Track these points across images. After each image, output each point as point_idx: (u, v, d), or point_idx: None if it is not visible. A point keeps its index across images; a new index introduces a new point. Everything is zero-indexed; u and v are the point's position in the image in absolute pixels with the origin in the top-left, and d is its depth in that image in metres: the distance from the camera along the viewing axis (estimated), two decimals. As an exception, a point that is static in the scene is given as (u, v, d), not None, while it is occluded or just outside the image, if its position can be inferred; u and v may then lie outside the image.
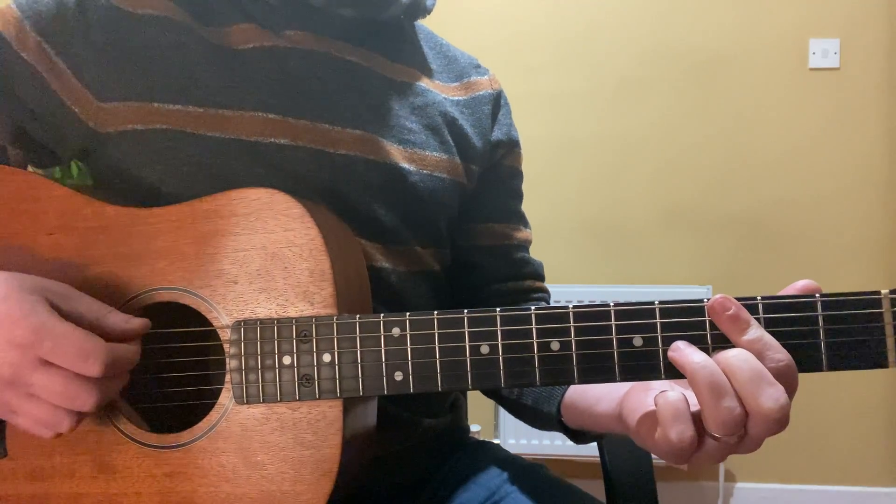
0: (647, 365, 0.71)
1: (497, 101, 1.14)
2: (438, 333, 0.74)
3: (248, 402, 0.77)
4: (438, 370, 0.74)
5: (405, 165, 0.98)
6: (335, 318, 0.76)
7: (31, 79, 0.89)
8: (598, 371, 0.72)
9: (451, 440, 1.12)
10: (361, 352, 0.75)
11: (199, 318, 0.80)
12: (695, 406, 0.67)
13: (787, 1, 2.90)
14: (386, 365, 0.75)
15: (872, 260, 2.90)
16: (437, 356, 0.74)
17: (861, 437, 2.93)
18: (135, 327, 0.76)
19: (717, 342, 0.69)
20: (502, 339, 0.73)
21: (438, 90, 1.08)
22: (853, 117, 2.90)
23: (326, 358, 0.76)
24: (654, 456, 0.88)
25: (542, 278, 1.18)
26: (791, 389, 0.67)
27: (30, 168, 0.96)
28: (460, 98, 1.10)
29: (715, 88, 2.95)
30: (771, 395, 0.64)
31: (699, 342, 0.69)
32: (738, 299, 0.69)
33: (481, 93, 1.12)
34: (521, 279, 1.15)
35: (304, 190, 0.90)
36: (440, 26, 1.12)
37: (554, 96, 3.00)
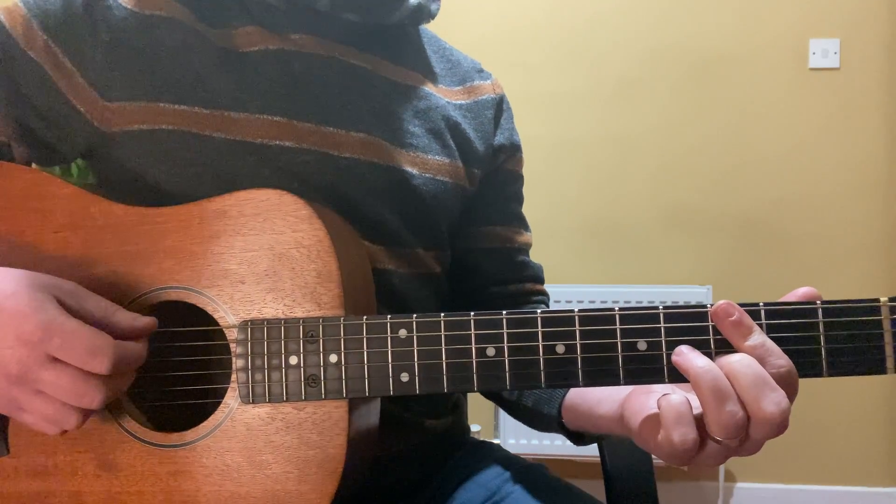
0: (651, 369, 0.72)
1: (499, 106, 1.15)
2: (445, 335, 0.74)
3: (253, 402, 0.77)
4: (444, 372, 0.74)
5: (408, 169, 0.99)
6: (342, 318, 0.77)
7: (38, 77, 0.89)
8: (602, 374, 0.72)
9: (451, 440, 1.12)
10: (368, 353, 0.76)
11: (205, 318, 0.80)
12: (697, 409, 0.68)
13: (787, 1, 2.90)
14: (392, 366, 0.75)
15: (872, 260, 2.90)
16: (444, 358, 0.74)
17: (861, 437, 2.93)
18: (142, 325, 0.76)
19: (719, 347, 0.70)
20: (508, 342, 0.73)
21: (442, 94, 1.08)
22: (853, 117, 2.90)
23: (333, 358, 0.76)
24: (654, 456, 0.88)
25: (541, 281, 1.19)
26: (792, 394, 0.68)
27: (34, 166, 0.96)
28: (463, 102, 1.10)
29: (715, 88, 2.95)
30: (773, 400, 0.65)
31: (702, 347, 0.70)
32: (741, 305, 0.70)
33: (484, 97, 1.13)
34: (522, 282, 1.16)
35: (309, 192, 0.90)
36: (440, 26, 1.12)
37: (554, 96, 2.99)
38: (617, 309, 0.72)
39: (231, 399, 0.78)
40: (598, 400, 0.87)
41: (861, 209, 2.90)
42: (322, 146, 0.93)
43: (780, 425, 0.66)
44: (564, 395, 0.95)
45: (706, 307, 0.71)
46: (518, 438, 2.76)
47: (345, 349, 0.76)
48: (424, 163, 1.01)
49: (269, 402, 0.77)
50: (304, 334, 0.77)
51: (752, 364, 0.67)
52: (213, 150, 0.89)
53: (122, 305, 0.77)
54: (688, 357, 0.69)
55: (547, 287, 1.20)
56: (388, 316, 0.76)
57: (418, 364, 0.75)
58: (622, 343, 0.72)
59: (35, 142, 0.92)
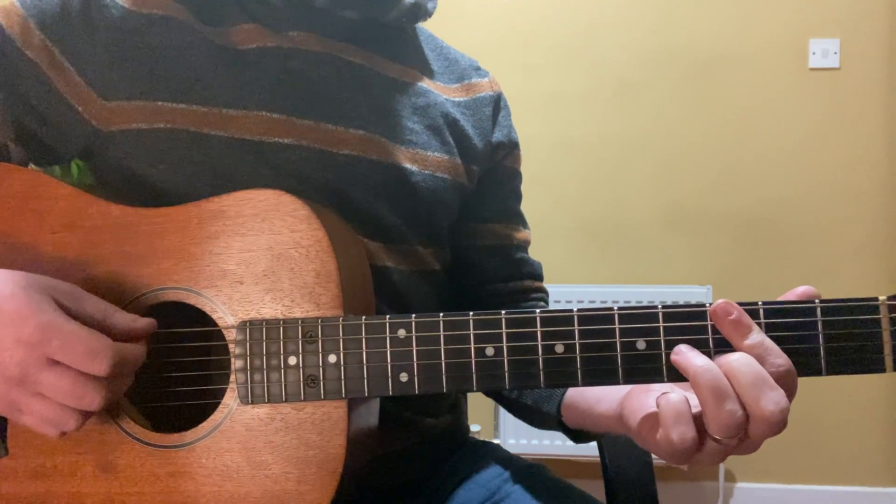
0: (650, 368, 0.72)
1: (497, 103, 1.15)
2: (444, 335, 0.74)
3: (252, 403, 0.77)
4: (444, 372, 0.74)
5: (407, 166, 0.99)
6: (341, 319, 0.77)
7: (35, 77, 0.89)
8: (601, 373, 0.72)
9: (451, 440, 1.12)
10: (367, 353, 0.76)
11: (204, 319, 0.80)
12: (696, 408, 0.68)
13: (787, 1, 2.90)
14: (391, 366, 0.75)
15: (872, 260, 2.90)
16: (443, 358, 0.74)
17: (861, 437, 2.93)
18: (141, 327, 0.76)
19: (718, 346, 0.70)
20: (507, 342, 0.73)
21: (440, 91, 1.08)
22: (853, 117, 2.90)
23: (332, 359, 0.76)
24: (654, 456, 0.88)
25: (540, 278, 1.19)
26: (791, 393, 0.68)
27: (31, 166, 0.96)
28: (461, 99, 1.10)
29: (715, 88, 2.95)
30: (772, 399, 0.65)
31: (701, 346, 0.70)
32: (740, 304, 0.70)
33: (482, 94, 1.13)
34: (520, 279, 1.16)
35: (308, 189, 0.90)
36: (440, 26, 1.12)
37: (553, 96, 3.00)
38: (616, 308, 0.72)
39: (230, 400, 0.78)
40: (597, 398, 0.87)
41: (861, 209, 2.91)
42: (321, 143, 0.93)
43: (779, 424, 0.66)
44: (564, 394, 0.96)
45: (705, 306, 0.71)
46: (518, 438, 2.76)
47: (344, 349, 0.76)
48: (423, 159, 1.01)
49: (269, 402, 0.77)
50: (302, 335, 0.77)
51: (751, 363, 0.67)
52: (211, 148, 0.89)
53: (120, 306, 0.77)
54: (687, 356, 0.69)
55: (547, 287, 1.20)
56: (387, 316, 0.76)
57: (417, 364, 0.75)
58: (621, 342, 0.72)
59: (32, 142, 0.92)
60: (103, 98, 0.89)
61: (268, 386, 0.77)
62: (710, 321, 0.70)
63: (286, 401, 0.77)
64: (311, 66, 0.96)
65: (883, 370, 0.69)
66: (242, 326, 0.78)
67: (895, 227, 2.89)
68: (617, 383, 0.72)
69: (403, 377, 0.75)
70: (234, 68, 0.93)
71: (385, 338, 0.76)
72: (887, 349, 0.69)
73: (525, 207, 1.20)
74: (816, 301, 0.70)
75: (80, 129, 0.91)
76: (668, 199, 2.97)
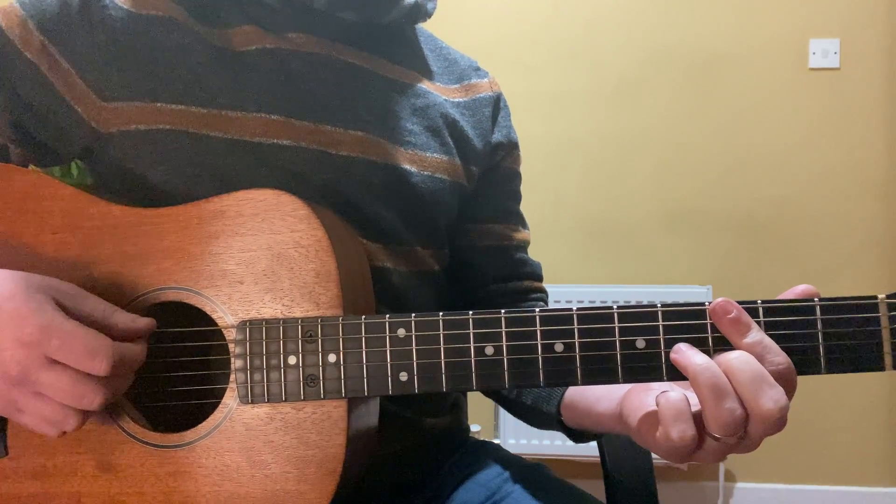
0: (650, 366, 0.72)
1: (497, 104, 1.15)
2: (444, 334, 0.75)
3: (252, 402, 0.77)
4: (443, 371, 0.74)
5: (406, 167, 0.99)
6: (340, 318, 0.77)
7: (35, 78, 0.89)
8: (601, 372, 0.72)
9: (451, 440, 1.12)
10: (367, 352, 0.76)
11: (204, 318, 0.80)
12: (695, 406, 0.69)
13: (787, 1, 2.91)
14: (391, 365, 0.75)
15: (872, 260, 2.91)
16: (442, 357, 0.74)
17: (861, 437, 2.93)
18: (141, 326, 0.76)
19: (718, 345, 0.70)
20: (507, 341, 0.73)
21: (439, 92, 1.08)
22: (853, 117, 2.90)
23: (332, 358, 0.76)
24: (654, 456, 0.88)
25: (540, 279, 1.19)
26: (790, 392, 0.68)
27: (31, 167, 0.96)
28: (460, 100, 1.10)
29: (715, 88, 2.95)
30: (771, 397, 0.66)
31: (701, 344, 0.71)
32: (739, 303, 0.70)
33: (481, 95, 1.13)
34: (520, 279, 1.16)
35: (307, 190, 0.90)
36: (440, 26, 1.12)
37: (554, 96, 3.00)
38: (615, 307, 0.72)
39: (230, 399, 0.78)
40: (596, 398, 0.87)
41: (861, 209, 2.91)
42: (320, 144, 0.94)
43: (778, 422, 0.66)
44: (563, 394, 0.96)
45: (704, 305, 0.71)
46: (518, 438, 2.76)
47: (343, 349, 0.76)
48: (422, 160, 1.01)
49: (268, 402, 0.77)
50: (302, 334, 0.77)
51: (750, 361, 0.67)
52: (210, 150, 0.89)
53: (120, 306, 0.77)
54: (686, 354, 0.69)
55: (546, 287, 1.20)
56: (387, 315, 0.76)
57: (417, 363, 0.75)
58: (621, 341, 0.72)
59: (32, 143, 0.92)
60: (102, 99, 0.89)
61: (267, 385, 0.77)
62: (710, 320, 0.71)
63: (286, 400, 0.77)
64: (310, 67, 0.96)
65: (882, 368, 0.69)
66: (242, 326, 0.78)
67: (895, 227, 2.89)
68: (616, 382, 0.73)
69: (403, 376, 0.75)
70: (233, 70, 0.93)
71: (385, 337, 0.76)
72: (886, 347, 0.69)
73: (525, 207, 1.20)
74: (815, 299, 0.70)
75: (79, 130, 0.91)
76: (667, 198, 2.97)
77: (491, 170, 1.13)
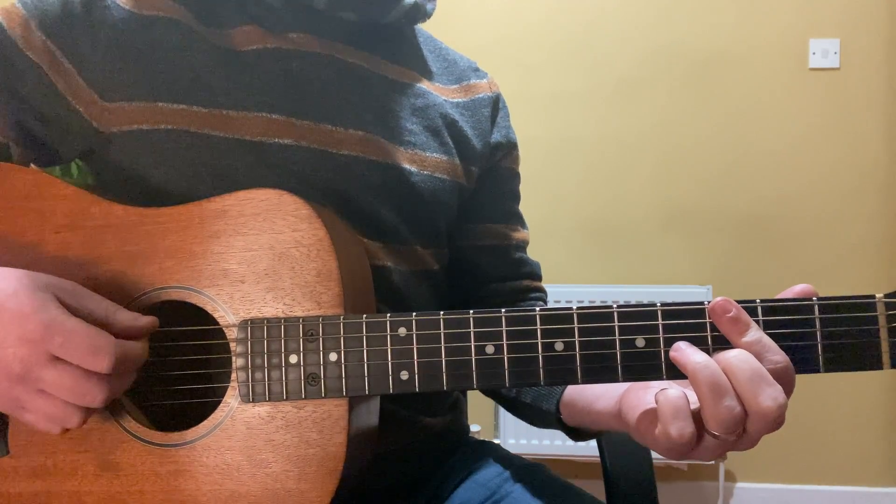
0: (650, 365, 0.72)
1: (496, 104, 1.15)
2: (444, 333, 0.75)
3: (253, 401, 0.78)
4: (444, 370, 0.75)
5: (406, 166, 0.99)
6: (342, 317, 0.77)
7: (36, 78, 0.89)
8: (601, 371, 0.73)
9: (451, 439, 1.13)
10: (367, 351, 0.76)
11: (205, 317, 0.80)
12: (694, 404, 0.69)
13: (787, 1, 2.90)
14: (392, 364, 0.76)
15: (872, 259, 2.91)
16: (443, 356, 0.75)
17: (861, 437, 2.93)
18: (143, 325, 0.76)
19: (717, 343, 0.71)
20: (507, 340, 0.74)
21: (438, 92, 1.09)
22: (853, 117, 2.90)
23: (333, 357, 0.76)
24: (654, 455, 0.88)
25: (539, 278, 1.19)
26: (788, 390, 0.69)
27: (32, 166, 0.96)
28: (460, 100, 1.11)
29: (715, 88, 2.95)
30: (770, 395, 0.66)
31: (700, 343, 0.71)
32: (738, 302, 0.70)
33: (480, 95, 1.13)
34: (519, 279, 1.16)
35: (308, 189, 0.90)
36: (439, 26, 1.12)
37: (553, 96, 3.00)
38: (615, 306, 0.73)
39: (231, 398, 0.78)
40: (596, 396, 0.88)
41: (861, 209, 2.91)
42: (320, 144, 0.94)
43: (776, 420, 0.66)
44: (563, 392, 0.96)
45: (703, 304, 0.71)
46: (518, 438, 2.76)
47: (344, 348, 0.76)
48: (422, 160, 1.01)
49: (269, 400, 0.77)
50: (303, 333, 0.77)
51: (749, 359, 0.67)
52: (211, 149, 0.89)
53: (122, 305, 0.77)
54: (686, 353, 0.69)
55: (546, 287, 1.21)
56: (388, 314, 0.77)
57: (418, 362, 0.75)
58: (620, 340, 0.72)
59: (34, 142, 0.93)
60: (104, 99, 0.90)
61: (269, 384, 0.77)
62: (709, 319, 0.71)
63: (287, 399, 0.77)
64: (310, 67, 0.97)
65: (880, 367, 0.70)
66: (244, 325, 0.78)
67: (894, 226, 2.89)
68: (616, 381, 0.73)
69: (404, 375, 0.75)
70: (234, 69, 0.93)
71: (386, 336, 0.76)
72: (884, 346, 0.70)
73: (524, 207, 1.20)
74: (814, 299, 0.71)
75: (80, 130, 0.91)
76: (667, 198, 2.97)
77: (490, 170, 1.14)
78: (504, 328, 0.74)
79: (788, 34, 2.91)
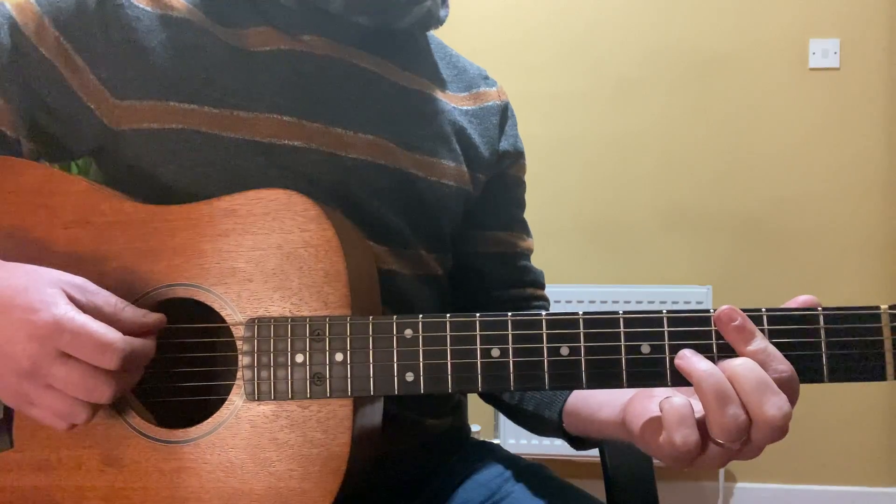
0: (654, 372, 0.72)
1: (504, 113, 1.16)
2: (450, 336, 0.75)
3: (258, 400, 0.78)
4: (449, 372, 0.75)
5: (414, 171, 1.00)
6: (349, 318, 0.77)
7: (49, 74, 0.89)
8: (605, 377, 0.73)
9: (452, 440, 1.13)
10: (373, 352, 0.76)
11: (213, 315, 0.81)
12: (699, 412, 0.69)
13: (787, 1, 2.90)
14: (397, 365, 0.76)
15: (872, 260, 2.91)
16: (449, 358, 0.75)
17: (861, 437, 2.94)
18: (151, 322, 0.77)
19: (722, 351, 0.71)
20: (513, 343, 0.74)
21: (448, 99, 1.09)
22: (853, 117, 2.90)
23: (339, 357, 0.77)
24: (655, 458, 0.89)
25: (542, 287, 1.20)
26: (793, 399, 0.69)
27: (42, 162, 0.96)
28: (469, 108, 1.11)
29: (715, 88, 2.95)
30: (775, 404, 0.66)
31: (705, 351, 0.71)
32: (744, 310, 0.71)
33: (489, 104, 1.14)
34: (523, 287, 1.17)
35: (316, 191, 0.90)
36: (441, 27, 1.12)
37: (554, 96, 2.99)
38: (621, 312, 0.73)
39: (236, 396, 0.79)
40: (599, 405, 0.88)
41: (861, 209, 2.91)
42: (330, 147, 0.94)
43: (781, 429, 0.67)
44: (565, 400, 0.96)
45: (709, 312, 0.72)
46: (518, 439, 2.76)
47: (351, 348, 0.77)
48: (430, 166, 1.02)
49: (274, 399, 0.78)
50: (310, 333, 0.77)
51: (754, 368, 0.68)
52: (221, 150, 0.89)
53: (130, 302, 0.78)
54: (691, 360, 0.70)
55: (547, 287, 1.21)
56: (395, 316, 0.77)
57: (423, 364, 0.76)
58: (626, 346, 0.73)
59: (44, 138, 0.93)
60: (116, 97, 0.90)
61: (274, 383, 0.78)
62: (714, 327, 0.71)
63: (292, 398, 0.77)
64: (322, 70, 0.97)
65: (884, 378, 0.70)
66: (250, 323, 0.79)
67: (895, 227, 2.90)
68: (621, 387, 0.73)
69: (409, 377, 0.76)
70: (247, 70, 0.93)
71: (392, 337, 0.76)
72: (888, 357, 0.70)
73: (525, 207, 1.21)
74: (819, 308, 0.71)
75: (91, 127, 0.91)
76: (667, 198, 2.97)
77: (497, 178, 1.14)
78: (510, 332, 0.74)
79: (788, 34, 2.91)
